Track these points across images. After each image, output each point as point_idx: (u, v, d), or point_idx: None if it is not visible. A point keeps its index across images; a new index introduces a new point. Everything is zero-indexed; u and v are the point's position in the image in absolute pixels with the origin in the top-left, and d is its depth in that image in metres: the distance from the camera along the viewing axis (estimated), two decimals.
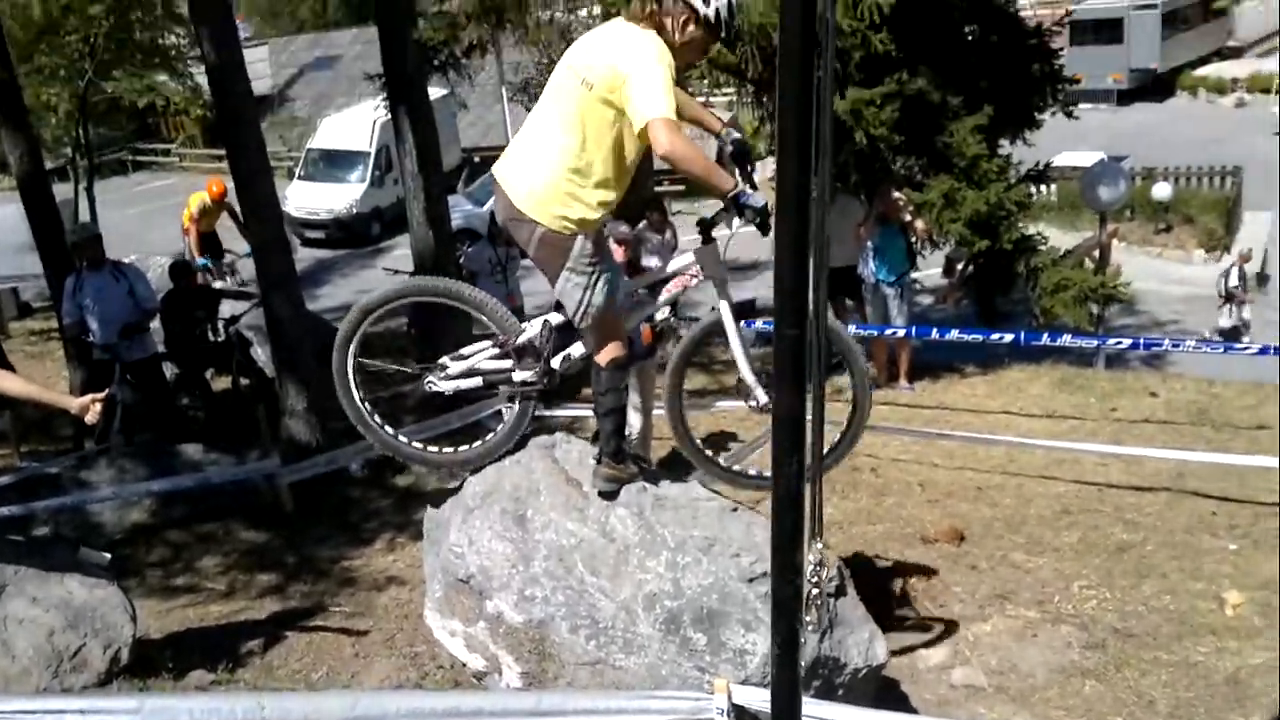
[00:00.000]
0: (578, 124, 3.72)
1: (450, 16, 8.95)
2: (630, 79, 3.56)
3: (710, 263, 4.06)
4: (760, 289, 4.84)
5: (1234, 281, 16.89)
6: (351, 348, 4.35)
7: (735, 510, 4.29)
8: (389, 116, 10.04)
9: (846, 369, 4.18)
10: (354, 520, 7.61)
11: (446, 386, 4.40)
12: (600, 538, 4.13)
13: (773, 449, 1.95)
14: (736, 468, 4.57)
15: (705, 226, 4.03)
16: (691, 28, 3.67)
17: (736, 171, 3.97)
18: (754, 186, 3.94)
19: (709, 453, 4.47)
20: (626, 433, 4.51)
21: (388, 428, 4.56)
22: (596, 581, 4.10)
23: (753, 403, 4.14)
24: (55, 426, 9.38)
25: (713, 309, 4.14)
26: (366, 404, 4.46)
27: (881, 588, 5.80)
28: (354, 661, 5.46)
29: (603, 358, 4.04)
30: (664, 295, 4.36)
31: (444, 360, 4.41)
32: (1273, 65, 37.05)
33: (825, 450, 4.27)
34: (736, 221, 3.76)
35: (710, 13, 3.65)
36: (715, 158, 4.06)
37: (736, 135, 4.04)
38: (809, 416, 1.99)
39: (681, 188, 28.81)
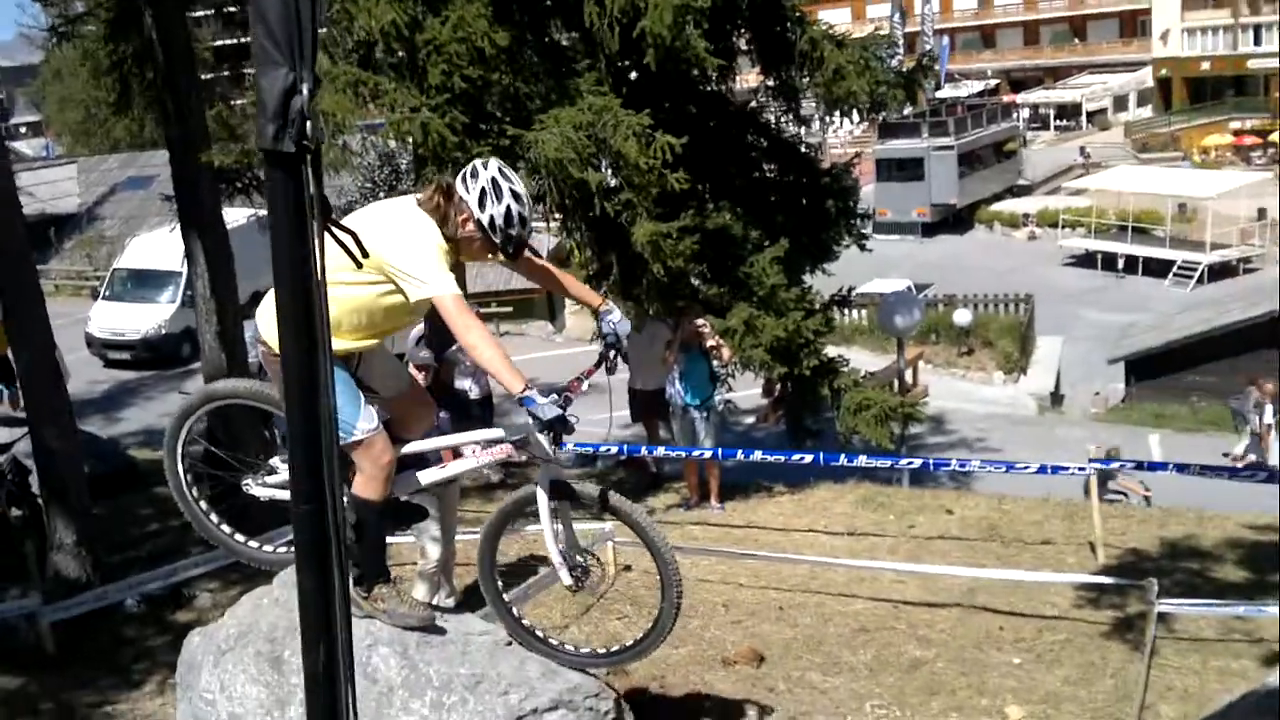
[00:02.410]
0: (332, 269, 3.67)
1: (244, 142, 8.82)
2: (397, 254, 3.56)
3: (537, 442, 3.78)
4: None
5: (1269, 419, 16.39)
6: (179, 445, 4.22)
7: (509, 645, 4.14)
8: None
9: (659, 578, 4.03)
10: (124, 661, 7.06)
11: (263, 493, 4.21)
12: (362, 679, 3.89)
13: (301, 633, 1.85)
14: (554, 640, 4.31)
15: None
16: (471, 227, 3.66)
17: (603, 354, 3.99)
18: (610, 371, 3.99)
19: (525, 623, 4.27)
20: (419, 563, 4.29)
21: (225, 526, 4.36)
22: None
23: (564, 583, 4.05)
24: None
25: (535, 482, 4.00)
26: (201, 502, 4.31)
27: (673, 711, 5.69)
28: None
29: (357, 488, 3.90)
30: (476, 460, 4.22)
31: (274, 462, 4.22)
32: (1059, 202, 40.35)
33: (636, 641, 4.22)
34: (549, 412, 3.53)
35: (484, 218, 3.62)
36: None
37: (612, 317, 4.01)
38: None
39: (509, 309, 29.02)
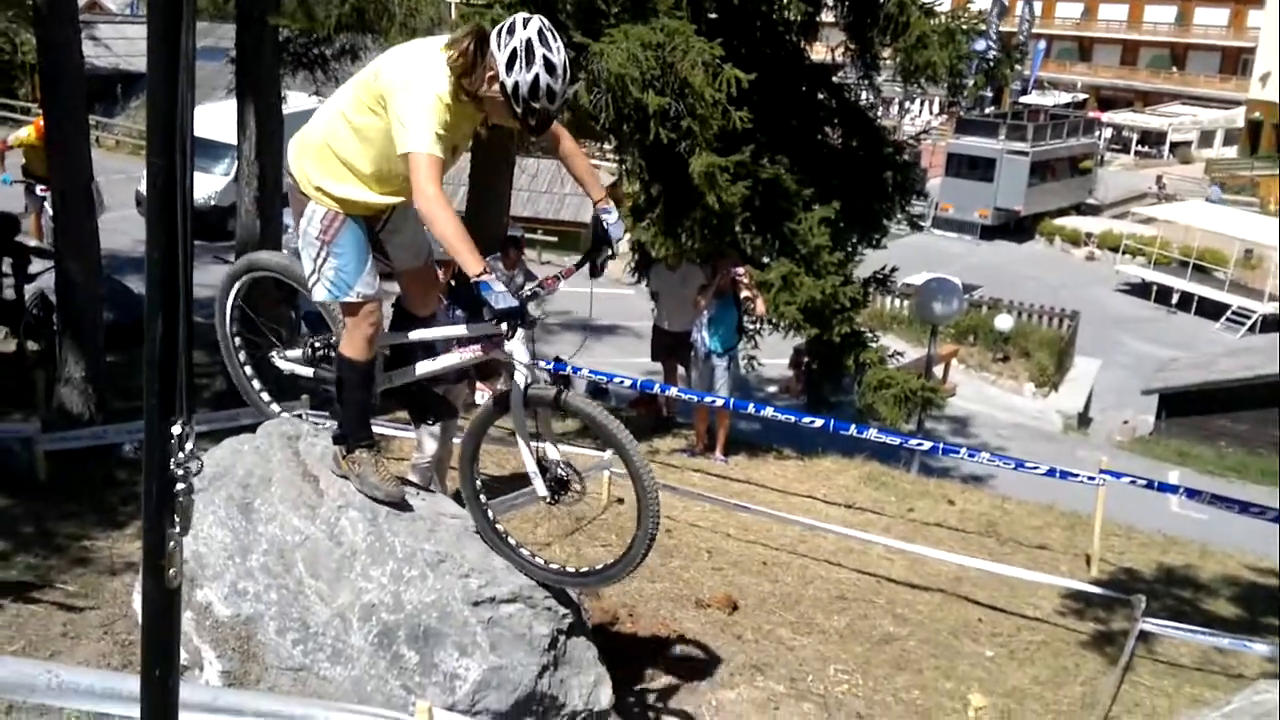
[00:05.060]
0: (356, 105, 3.61)
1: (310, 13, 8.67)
2: (396, 96, 3.41)
3: (511, 345, 3.65)
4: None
5: None
6: (228, 305, 4.34)
7: (479, 532, 4.11)
8: None
9: (637, 502, 3.82)
10: (112, 501, 7.11)
11: (285, 366, 4.30)
12: (326, 539, 3.89)
13: (146, 305, 1.70)
14: (524, 551, 4.12)
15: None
16: (495, 87, 3.40)
17: (589, 253, 3.80)
18: (595, 274, 3.78)
19: (499, 527, 4.12)
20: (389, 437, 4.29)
21: (264, 393, 4.54)
22: (314, 584, 3.85)
23: (539, 493, 3.92)
24: None
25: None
26: (241, 353, 4.43)
27: (638, 640, 5.68)
28: (59, 640, 5.04)
29: (342, 346, 3.87)
30: (459, 357, 3.95)
31: (311, 338, 4.29)
32: (1125, 227, 39.59)
33: (606, 566, 4.09)
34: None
35: (509, 82, 3.36)
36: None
37: (608, 216, 3.76)
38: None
39: (553, 240, 28.92)
